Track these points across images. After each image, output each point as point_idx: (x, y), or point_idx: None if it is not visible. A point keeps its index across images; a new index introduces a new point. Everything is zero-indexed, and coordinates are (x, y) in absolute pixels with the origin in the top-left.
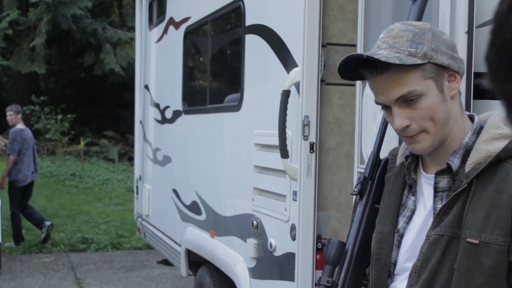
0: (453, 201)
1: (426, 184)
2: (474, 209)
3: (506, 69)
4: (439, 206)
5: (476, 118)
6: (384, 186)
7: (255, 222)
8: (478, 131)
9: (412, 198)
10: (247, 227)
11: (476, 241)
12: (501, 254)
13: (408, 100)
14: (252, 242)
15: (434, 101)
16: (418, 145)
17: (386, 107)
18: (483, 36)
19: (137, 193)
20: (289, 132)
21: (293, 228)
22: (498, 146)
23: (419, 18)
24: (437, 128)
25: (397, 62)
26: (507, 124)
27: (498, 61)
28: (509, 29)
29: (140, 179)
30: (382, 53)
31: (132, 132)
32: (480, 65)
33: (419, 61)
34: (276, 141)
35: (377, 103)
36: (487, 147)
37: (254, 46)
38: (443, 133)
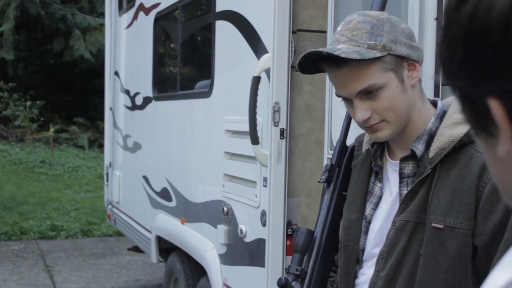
0: (418, 187)
1: (392, 170)
2: (439, 194)
3: (457, 64)
4: (405, 192)
5: (439, 103)
6: (351, 173)
7: (225, 209)
8: (442, 116)
9: (379, 184)
10: (217, 213)
11: (441, 226)
12: (465, 238)
13: (368, 92)
14: (222, 228)
15: (395, 92)
16: (379, 134)
17: (347, 99)
18: None
19: (107, 180)
20: (259, 119)
21: (263, 214)
22: (461, 130)
23: (383, 5)
24: (398, 118)
25: (357, 57)
26: (463, 117)
27: (450, 56)
28: (458, 24)
29: (110, 166)
30: (341, 48)
31: (102, 118)
32: None
33: (378, 54)
34: (246, 127)
35: (338, 95)
36: (450, 132)
37: (224, 32)
38: (403, 121)
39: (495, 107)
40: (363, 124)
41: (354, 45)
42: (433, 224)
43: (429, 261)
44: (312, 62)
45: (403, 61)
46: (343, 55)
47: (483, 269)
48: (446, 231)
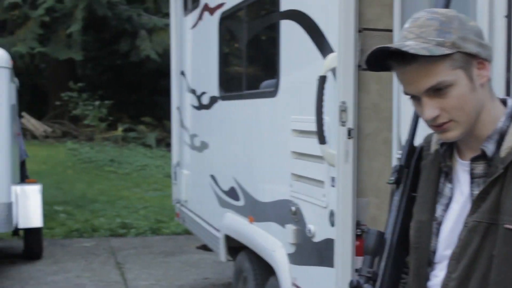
0: (490, 187)
1: (462, 170)
2: (511, 194)
3: None
4: (476, 192)
5: (510, 102)
6: (420, 174)
7: (293, 208)
8: None
9: (449, 185)
10: (285, 213)
11: None
12: None
13: (437, 90)
14: (291, 228)
15: (464, 90)
16: (448, 134)
17: (415, 97)
18: None
19: (175, 179)
20: (326, 118)
21: (332, 214)
22: None
23: (448, 3)
24: (467, 117)
25: (427, 53)
26: None
27: None
28: None
29: (177, 165)
30: (410, 44)
31: (168, 118)
32: None
33: (448, 51)
34: (313, 127)
35: (405, 93)
36: None
37: (289, 31)
38: (472, 121)
39: None
40: (431, 123)
41: (423, 42)
42: (506, 225)
43: (503, 262)
44: (379, 59)
45: (473, 59)
46: (411, 51)
47: None
48: None
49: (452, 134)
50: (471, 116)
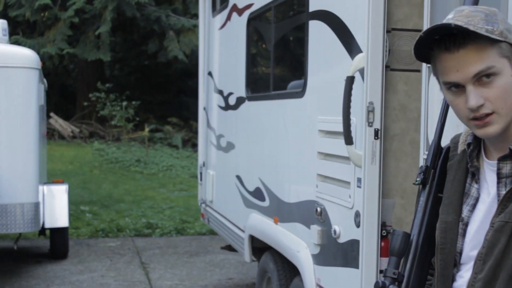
0: None
1: (489, 171)
2: None
3: None
4: (503, 192)
5: None
6: (446, 175)
7: (319, 209)
8: None
9: (475, 185)
10: (310, 213)
11: None
12: None
13: (483, 78)
14: (316, 228)
15: (509, 81)
16: (490, 129)
17: (455, 89)
18: None
19: (201, 179)
20: (353, 119)
21: (357, 215)
22: None
23: (476, 2)
24: (508, 110)
25: (483, 32)
26: None
27: None
28: None
29: (203, 165)
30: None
31: (195, 118)
32: None
33: (499, 38)
34: (340, 128)
35: (447, 83)
36: None
37: (317, 32)
38: None
39: None
40: (474, 115)
41: (473, 28)
42: None
43: None
44: (424, 45)
45: None
46: (472, 28)
47: None
48: None
49: (493, 129)
50: None
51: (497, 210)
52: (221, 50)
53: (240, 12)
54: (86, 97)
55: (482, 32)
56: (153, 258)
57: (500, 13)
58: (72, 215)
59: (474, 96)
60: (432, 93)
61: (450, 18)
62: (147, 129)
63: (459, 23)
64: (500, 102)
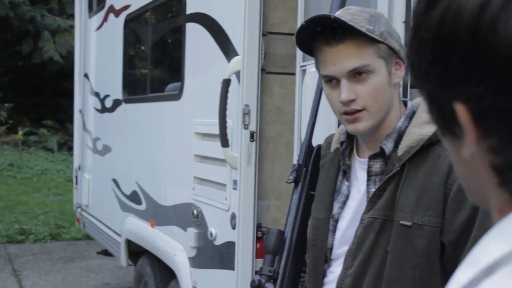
0: (386, 184)
1: (360, 168)
2: (407, 191)
3: (426, 67)
4: (373, 190)
5: (409, 104)
6: (318, 173)
7: (195, 212)
8: (411, 116)
9: (346, 183)
10: (187, 216)
11: (409, 223)
12: (433, 235)
13: (358, 75)
14: (192, 231)
15: (382, 81)
16: (359, 125)
17: (331, 81)
18: None
19: (76, 183)
20: (229, 121)
21: (233, 217)
22: (430, 129)
23: (343, 5)
24: (379, 109)
25: (364, 30)
26: (430, 119)
27: (419, 59)
28: (427, 28)
29: (79, 169)
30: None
31: (71, 121)
32: None
33: (378, 38)
34: (216, 130)
35: (324, 76)
36: (419, 131)
37: (195, 34)
38: (382, 115)
39: (461, 110)
40: (345, 109)
41: (351, 23)
42: (401, 222)
43: (397, 258)
44: (306, 37)
45: (393, 56)
46: (351, 23)
47: (451, 267)
48: (414, 228)
49: (363, 125)
50: (383, 109)
51: (366, 207)
52: (97, 52)
53: (117, 13)
54: None
55: (362, 29)
56: (26, 265)
57: (385, 17)
58: None
59: (347, 91)
60: (306, 96)
61: (337, 14)
62: (20, 132)
63: (342, 19)
64: (371, 100)
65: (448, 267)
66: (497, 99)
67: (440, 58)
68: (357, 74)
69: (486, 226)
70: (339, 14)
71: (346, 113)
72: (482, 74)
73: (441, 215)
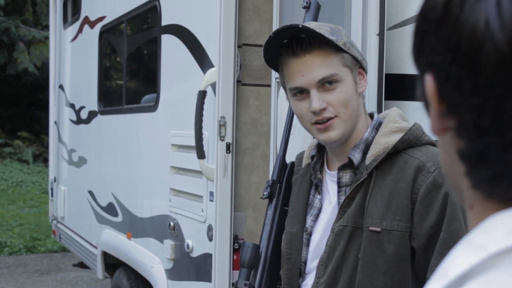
0: (355, 193)
1: (330, 181)
2: (375, 198)
3: (414, 38)
4: (343, 199)
5: (375, 115)
6: (291, 189)
7: (172, 223)
8: (377, 127)
9: (318, 196)
10: (164, 228)
11: (378, 229)
12: (403, 240)
13: (326, 84)
14: (169, 243)
15: (350, 90)
16: (332, 133)
17: (300, 95)
18: (394, 38)
19: (52, 195)
20: (205, 133)
21: (210, 228)
22: (396, 138)
23: (315, 19)
24: (349, 116)
25: (330, 37)
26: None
27: (413, 32)
28: (420, 5)
29: (55, 180)
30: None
31: (47, 133)
32: (391, 67)
33: (343, 47)
34: (192, 142)
35: (292, 89)
36: (385, 140)
37: (170, 46)
38: (353, 122)
39: (428, 81)
40: (317, 118)
41: (318, 31)
42: (371, 228)
43: (367, 264)
44: (273, 50)
45: (356, 65)
46: (319, 31)
47: (421, 271)
48: (384, 234)
49: (335, 133)
50: (353, 116)
51: (337, 216)
52: (72, 63)
53: (92, 24)
54: None
55: (327, 35)
56: (1, 278)
57: (344, 30)
58: None
59: (318, 100)
60: (281, 108)
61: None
62: None
63: (310, 27)
64: (341, 107)
65: (419, 271)
66: (454, 69)
67: (420, 27)
68: (326, 84)
69: (453, 228)
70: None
71: (317, 123)
72: (445, 43)
73: (410, 220)
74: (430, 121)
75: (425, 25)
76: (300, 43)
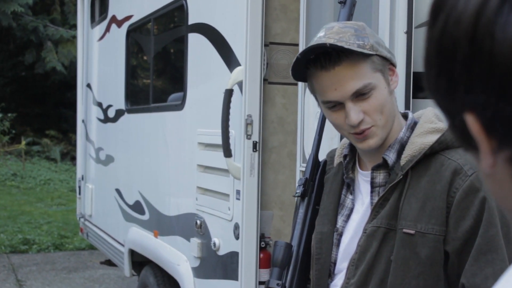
0: (389, 194)
1: (363, 181)
2: (410, 200)
3: (434, 79)
4: (376, 200)
5: (410, 115)
6: (323, 188)
7: (198, 222)
8: (412, 127)
9: (350, 196)
10: (190, 226)
11: (412, 232)
12: (437, 244)
13: (361, 95)
14: (195, 241)
15: (384, 93)
16: (371, 141)
17: (334, 106)
18: (422, 36)
19: (79, 193)
20: (232, 131)
21: (236, 227)
22: (432, 139)
23: (350, 18)
24: (386, 121)
25: (356, 48)
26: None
27: (428, 72)
28: (432, 40)
29: (82, 178)
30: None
31: (74, 131)
32: (419, 65)
33: (371, 52)
34: (219, 140)
35: (326, 102)
36: (421, 140)
37: (197, 45)
38: (390, 126)
39: (470, 121)
40: (354, 130)
41: (346, 45)
42: (404, 230)
43: (400, 267)
44: (300, 65)
45: (387, 64)
46: (346, 46)
47: (454, 276)
48: (417, 236)
49: (374, 141)
50: (389, 120)
51: (369, 217)
52: (100, 62)
53: (119, 23)
54: None
55: (355, 48)
56: (29, 275)
57: (367, 27)
58: None
59: (354, 113)
60: (308, 106)
61: (321, 36)
62: (23, 142)
63: (332, 41)
64: (378, 114)
65: (452, 276)
66: (501, 106)
67: (444, 68)
68: (360, 94)
69: (489, 234)
70: (324, 35)
71: (355, 133)
72: (484, 81)
73: (444, 223)
74: (479, 158)
75: (448, 64)
76: (328, 56)
